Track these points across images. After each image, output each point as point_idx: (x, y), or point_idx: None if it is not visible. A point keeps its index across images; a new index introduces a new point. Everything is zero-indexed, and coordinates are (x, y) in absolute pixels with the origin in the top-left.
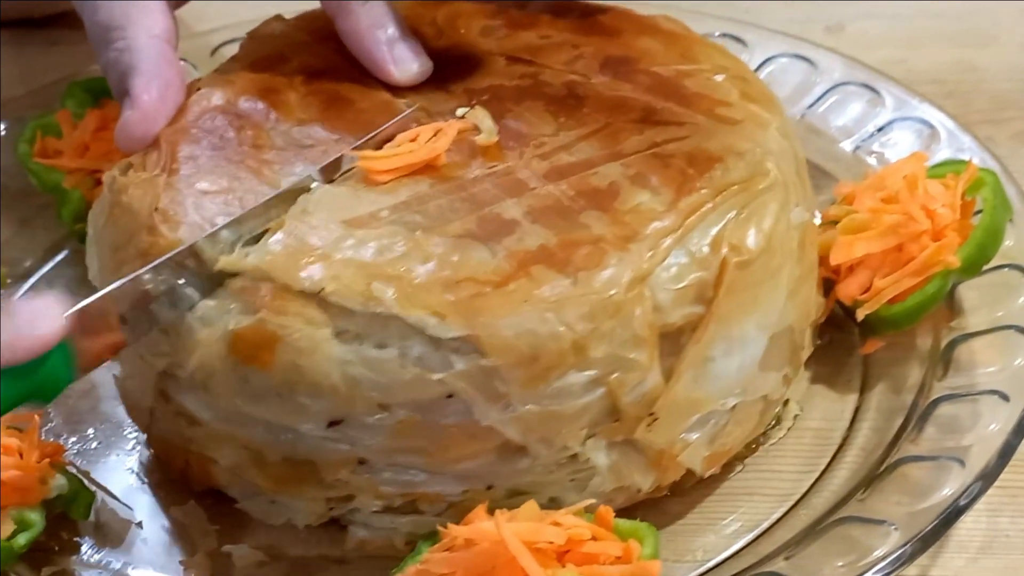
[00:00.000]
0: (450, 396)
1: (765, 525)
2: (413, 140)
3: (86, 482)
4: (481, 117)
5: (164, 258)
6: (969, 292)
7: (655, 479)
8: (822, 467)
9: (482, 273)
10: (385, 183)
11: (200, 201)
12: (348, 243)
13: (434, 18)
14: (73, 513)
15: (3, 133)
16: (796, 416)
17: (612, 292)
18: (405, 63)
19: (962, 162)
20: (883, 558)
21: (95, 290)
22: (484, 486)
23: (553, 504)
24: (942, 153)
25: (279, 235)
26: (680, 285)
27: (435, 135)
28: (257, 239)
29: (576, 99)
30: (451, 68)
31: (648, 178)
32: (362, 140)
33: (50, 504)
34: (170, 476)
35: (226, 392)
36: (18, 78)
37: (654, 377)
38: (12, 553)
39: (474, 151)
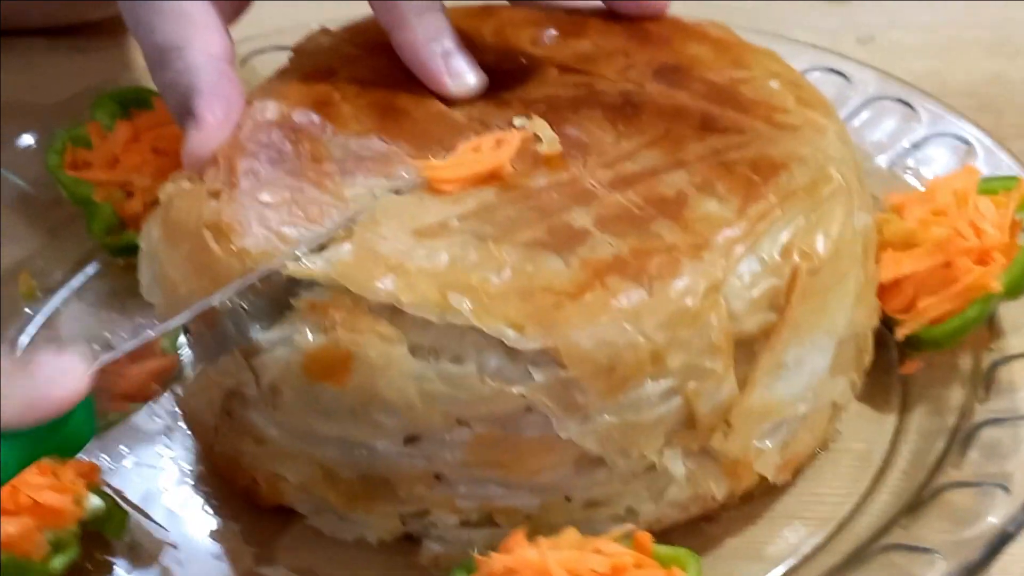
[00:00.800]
0: (528, 409)
1: (805, 551)
2: (475, 150)
3: (120, 502)
4: (540, 127)
5: (247, 280)
6: (1010, 311)
7: (729, 487)
8: (862, 490)
9: (557, 283)
10: (451, 192)
11: (263, 213)
12: (420, 253)
13: (481, 29)
14: (107, 533)
15: (32, 144)
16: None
17: (688, 301)
18: (461, 76)
19: (1013, 179)
20: None
21: (124, 306)
22: (562, 498)
23: (630, 515)
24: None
25: (347, 244)
26: (754, 293)
27: (497, 145)
28: (322, 249)
29: (633, 107)
30: (503, 79)
31: (714, 186)
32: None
33: (84, 524)
34: (233, 491)
35: (298, 411)
36: (42, 87)
37: (729, 385)
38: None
39: (537, 160)
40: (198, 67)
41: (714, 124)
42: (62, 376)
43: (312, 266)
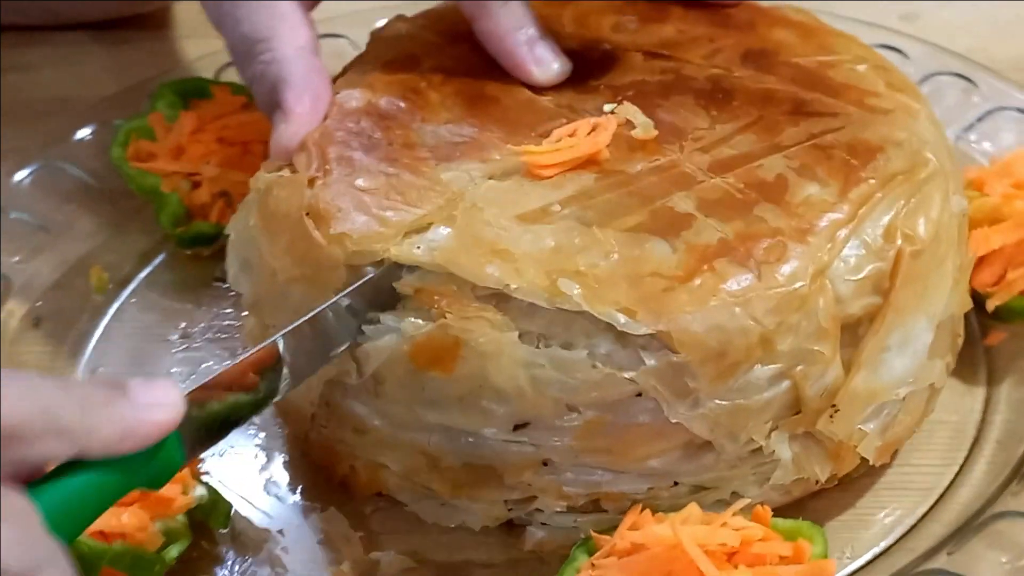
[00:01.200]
0: (639, 395)
1: (912, 521)
2: (571, 135)
3: (222, 491)
4: (632, 112)
5: (363, 279)
6: None
7: (832, 469)
8: (960, 460)
9: (665, 268)
10: (549, 177)
11: (360, 198)
12: (525, 238)
13: (562, 17)
14: (212, 523)
15: (89, 137)
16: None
17: (797, 285)
18: (546, 63)
19: None
20: None
21: (197, 296)
22: (669, 483)
23: (735, 499)
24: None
25: (447, 229)
26: (859, 276)
27: (593, 130)
28: (420, 232)
29: (724, 92)
30: (588, 66)
31: (813, 170)
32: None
33: (190, 514)
34: (328, 478)
35: (402, 400)
36: (91, 81)
37: (836, 369)
38: (164, 565)
39: (632, 145)
40: (286, 59)
41: (806, 108)
42: (158, 403)
43: (416, 252)
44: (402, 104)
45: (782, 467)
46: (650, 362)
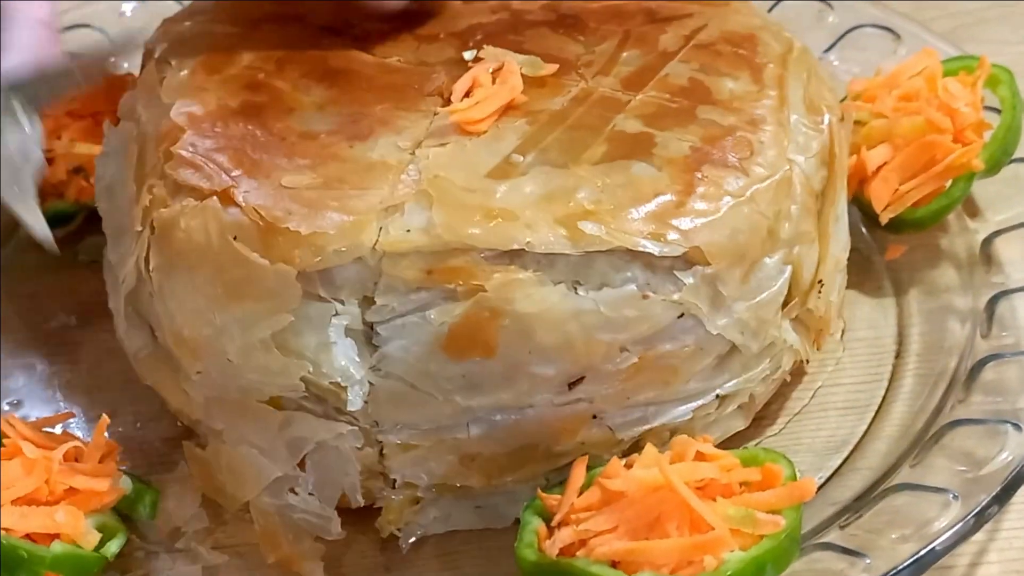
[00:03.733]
0: (681, 316)
1: (855, 440)
2: (472, 87)
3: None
4: (500, 54)
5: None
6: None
7: (811, 347)
8: (887, 375)
9: (662, 186)
10: (485, 132)
11: (301, 196)
12: (509, 194)
13: None
14: (137, 514)
15: None
16: (844, 330)
17: (781, 172)
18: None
19: (973, 58)
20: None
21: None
22: (711, 399)
23: (752, 401)
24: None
25: (419, 206)
26: (812, 152)
27: (496, 75)
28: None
29: (572, 19)
30: (413, 18)
31: (716, 67)
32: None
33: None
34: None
35: (440, 392)
36: None
37: (817, 244)
38: (103, 563)
39: (534, 84)
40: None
41: (660, 15)
42: None
43: (407, 235)
44: (256, 99)
45: (787, 355)
46: (688, 280)
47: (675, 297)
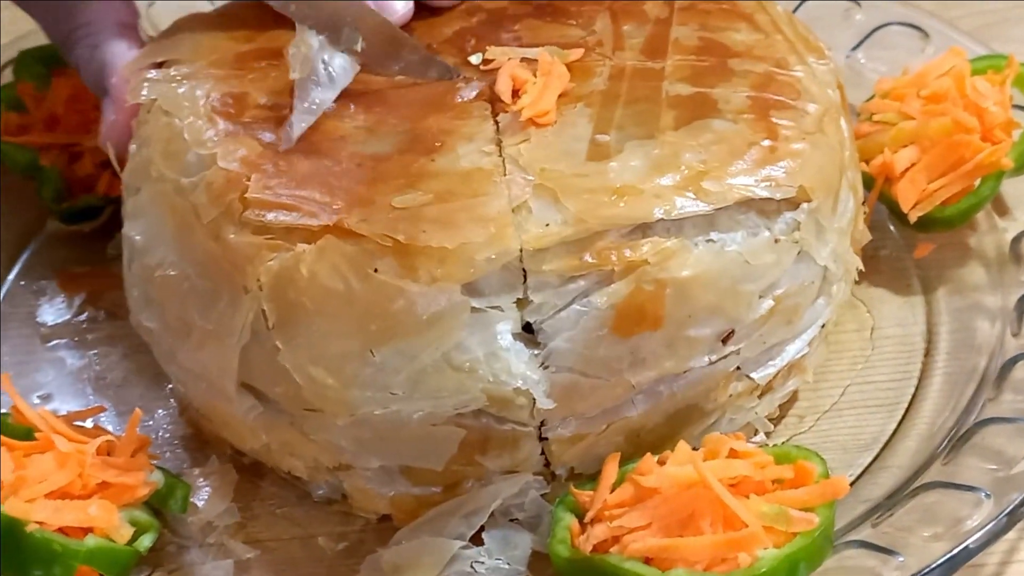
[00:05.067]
0: (799, 253)
1: (885, 438)
2: (521, 84)
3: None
4: (508, 50)
5: None
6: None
7: None
8: (916, 373)
9: (749, 136)
10: (555, 122)
11: (422, 213)
12: (625, 171)
13: None
14: (169, 508)
15: None
16: (872, 328)
17: (827, 104)
18: (387, 9)
19: (1001, 57)
20: None
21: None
22: (820, 329)
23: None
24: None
25: (544, 199)
26: (831, 83)
27: (535, 69)
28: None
29: (550, 6)
30: None
31: (712, 24)
32: None
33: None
34: None
35: (610, 374)
36: None
37: (859, 168)
38: (136, 557)
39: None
40: (109, 42)
41: None
42: None
43: (547, 229)
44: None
45: (848, 277)
46: (800, 218)
47: (796, 236)
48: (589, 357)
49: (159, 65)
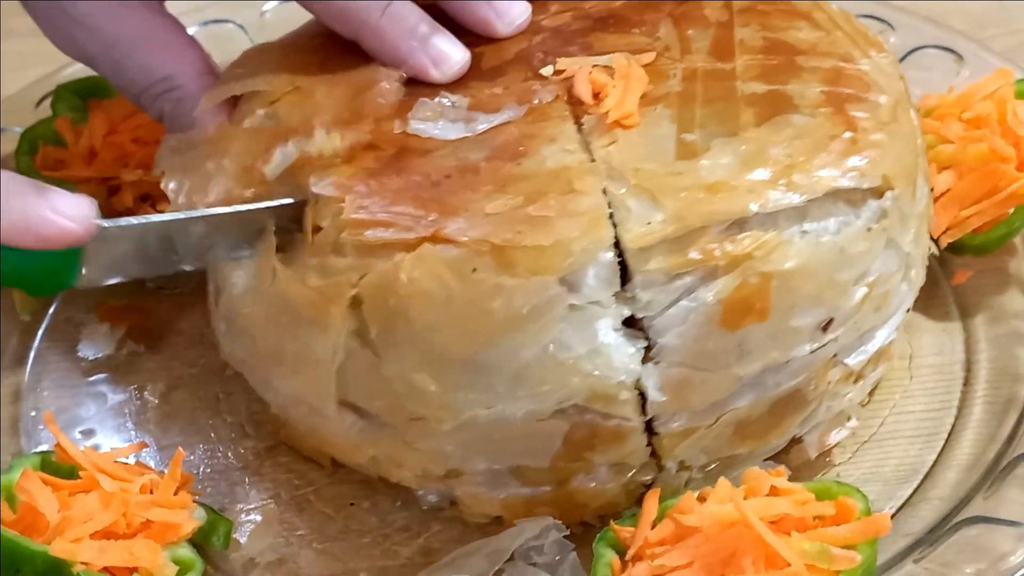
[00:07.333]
0: (888, 240)
1: (925, 469)
2: (600, 88)
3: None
4: (579, 60)
5: None
6: None
7: None
8: (955, 403)
9: (830, 130)
10: (637, 124)
11: (515, 215)
12: (716, 168)
13: None
14: (213, 544)
15: None
16: (911, 357)
17: (897, 95)
18: (446, 60)
19: None
20: None
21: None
22: (905, 314)
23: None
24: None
25: (640, 198)
26: (896, 77)
27: (614, 73)
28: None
29: (612, 19)
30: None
31: (773, 24)
32: None
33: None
34: None
35: (719, 368)
36: None
37: (926, 156)
38: None
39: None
40: (193, 94)
41: None
42: (70, 214)
43: (649, 227)
44: (386, 152)
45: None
46: (887, 206)
47: (884, 224)
48: (699, 351)
49: (237, 99)
